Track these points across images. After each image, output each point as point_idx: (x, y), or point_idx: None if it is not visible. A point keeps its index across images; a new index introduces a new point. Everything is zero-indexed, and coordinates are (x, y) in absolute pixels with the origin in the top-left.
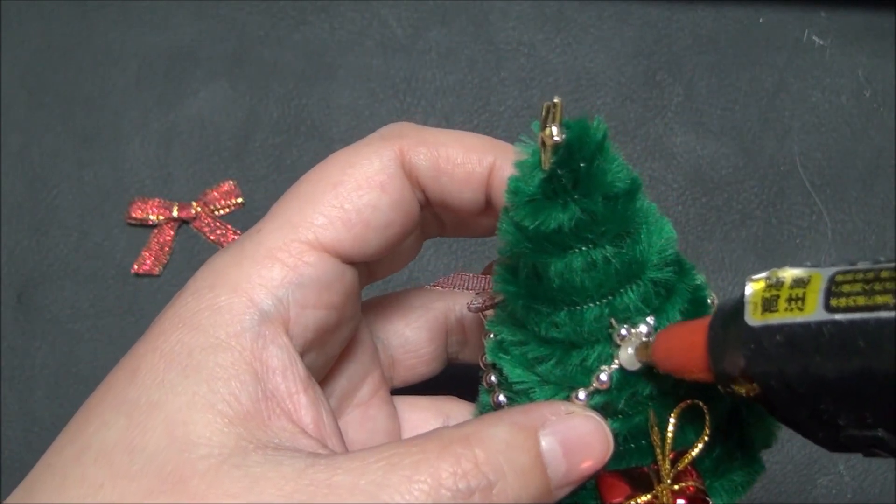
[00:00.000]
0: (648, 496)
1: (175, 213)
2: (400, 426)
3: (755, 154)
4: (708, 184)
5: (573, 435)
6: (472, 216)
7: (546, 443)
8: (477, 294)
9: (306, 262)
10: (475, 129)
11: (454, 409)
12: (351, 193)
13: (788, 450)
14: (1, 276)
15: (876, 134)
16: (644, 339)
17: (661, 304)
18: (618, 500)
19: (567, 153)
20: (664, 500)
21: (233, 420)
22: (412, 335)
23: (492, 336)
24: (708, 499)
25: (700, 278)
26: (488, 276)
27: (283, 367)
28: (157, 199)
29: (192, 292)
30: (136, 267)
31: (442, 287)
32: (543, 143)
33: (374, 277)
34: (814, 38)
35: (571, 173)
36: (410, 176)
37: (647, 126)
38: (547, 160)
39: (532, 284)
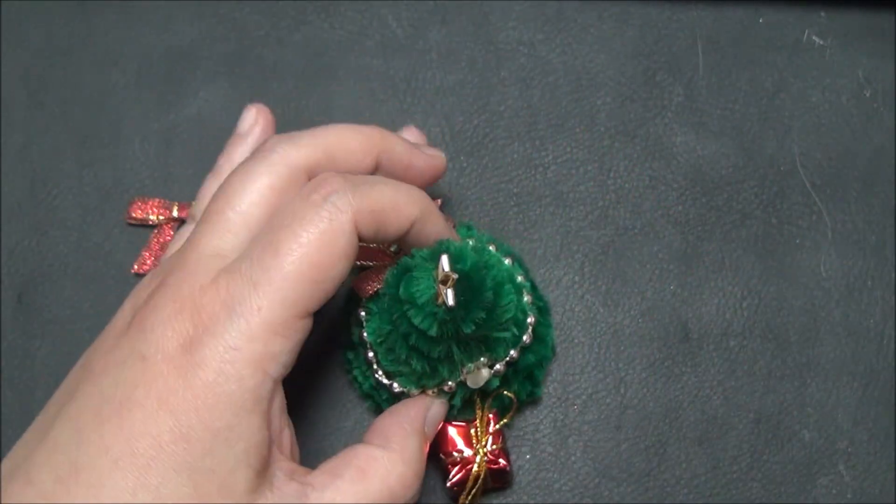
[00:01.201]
0: (472, 453)
1: (175, 213)
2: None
3: (755, 154)
4: (708, 184)
5: (434, 419)
6: None
7: (426, 432)
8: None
9: (297, 330)
10: (475, 128)
11: None
12: (329, 271)
13: (788, 450)
14: (1, 276)
15: (876, 134)
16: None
17: (499, 351)
18: (452, 449)
19: (455, 310)
20: (480, 455)
21: (259, 472)
22: None
23: (370, 320)
24: (504, 460)
25: (531, 310)
26: (378, 250)
27: (279, 411)
28: (158, 200)
29: (219, 371)
30: (136, 267)
31: None
32: (443, 290)
33: None
34: (814, 38)
35: (453, 318)
36: (359, 236)
37: (647, 126)
38: (439, 301)
39: (408, 342)
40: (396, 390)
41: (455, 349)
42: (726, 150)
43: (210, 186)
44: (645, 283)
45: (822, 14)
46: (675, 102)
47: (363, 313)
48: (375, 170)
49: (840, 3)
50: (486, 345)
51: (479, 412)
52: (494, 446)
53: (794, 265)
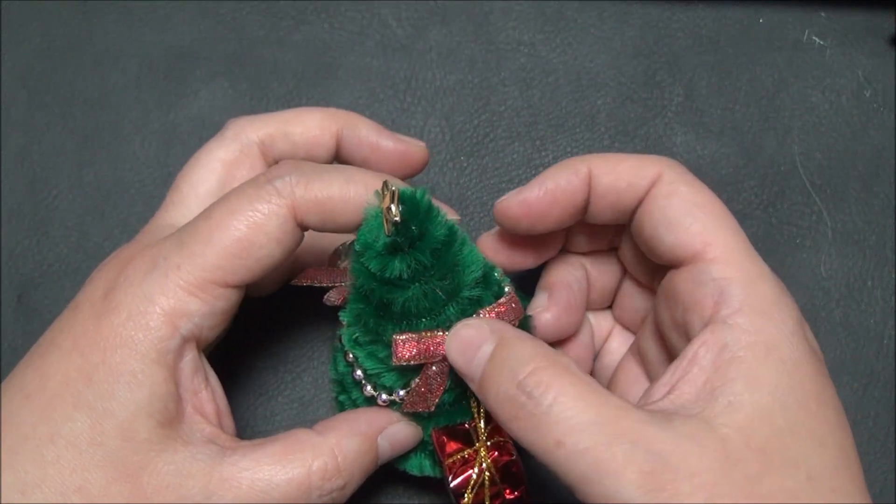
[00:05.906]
0: (472, 449)
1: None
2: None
3: (755, 154)
4: (708, 184)
5: (397, 436)
6: None
7: (381, 444)
8: (332, 288)
9: (216, 297)
10: (475, 128)
11: None
12: (255, 250)
13: None
14: (1, 276)
15: (876, 134)
16: None
17: (473, 311)
18: (451, 451)
19: (403, 226)
20: (482, 451)
21: (163, 424)
22: None
23: (346, 326)
24: (513, 451)
25: (498, 272)
26: (338, 269)
27: (192, 372)
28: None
29: (129, 315)
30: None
31: (299, 283)
32: (388, 209)
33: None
34: (814, 38)
35: (407, 238)
36: (301, 225)
37: (647, 126)
38: (388, 228)
39: (381, 307)
40: (384, 400)
41: (421, 297)
42: (726, 150)
43: None
44: None
45: (822, 14)
46: (675, 102)
47: (340, 334)
48: (337, 149)
49: (840, 3)
50: (458, 304)
51: (474, 408)
52: (499, 439)
53: (794, 265)
